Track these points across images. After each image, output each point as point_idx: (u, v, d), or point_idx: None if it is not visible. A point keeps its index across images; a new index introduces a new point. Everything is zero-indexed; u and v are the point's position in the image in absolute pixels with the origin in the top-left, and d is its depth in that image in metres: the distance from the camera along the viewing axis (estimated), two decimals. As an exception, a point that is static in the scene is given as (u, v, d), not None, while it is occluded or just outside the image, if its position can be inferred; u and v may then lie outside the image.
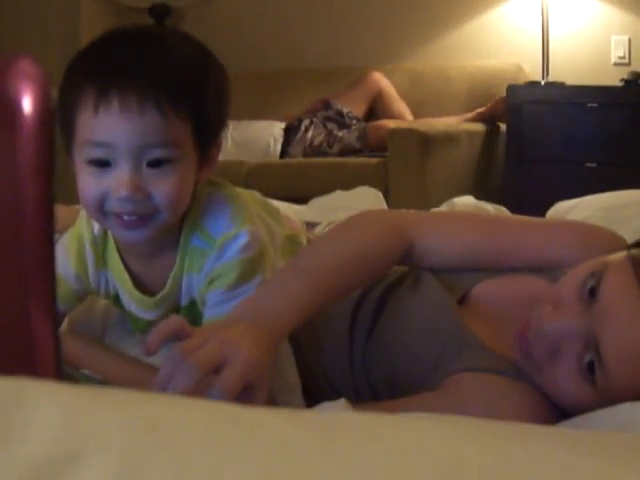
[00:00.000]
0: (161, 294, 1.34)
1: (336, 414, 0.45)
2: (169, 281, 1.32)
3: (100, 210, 1.20)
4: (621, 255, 1.05)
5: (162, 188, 1.17)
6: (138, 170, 1.16)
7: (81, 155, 1.19)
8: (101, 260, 1.36)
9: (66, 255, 1.35)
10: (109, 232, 1.32)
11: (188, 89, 1.18)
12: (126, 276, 1.34)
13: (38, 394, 0.41)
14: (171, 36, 1.26)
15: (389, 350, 1.27)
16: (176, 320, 1.03)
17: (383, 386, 1.26)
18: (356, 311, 1.32)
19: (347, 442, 0.39)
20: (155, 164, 1.17)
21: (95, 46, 1.19)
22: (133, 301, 1.37)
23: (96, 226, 1.34)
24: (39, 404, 0.41)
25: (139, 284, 1.35)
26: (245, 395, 0.95)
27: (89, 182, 1.19)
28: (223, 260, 1.25)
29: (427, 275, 1.32)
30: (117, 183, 1.16)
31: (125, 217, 1.19)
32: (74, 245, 1.35)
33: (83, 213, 1.35)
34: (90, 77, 1.15)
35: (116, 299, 1.41)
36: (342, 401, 1.04)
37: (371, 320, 1.30)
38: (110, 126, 1.14)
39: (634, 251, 1.05)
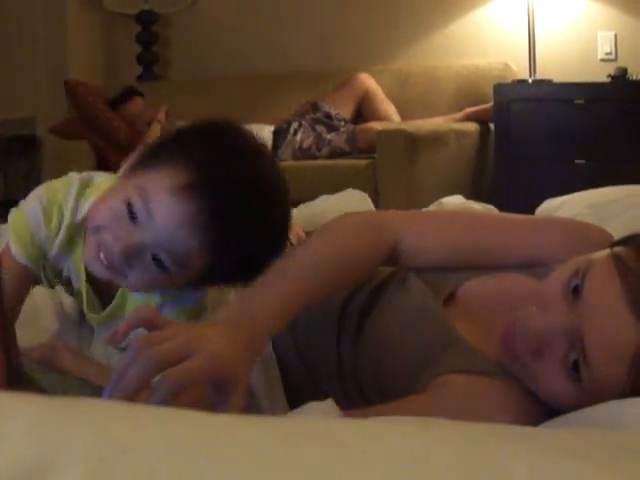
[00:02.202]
0: (109, 308, 1.39)
1: (306, 420, 0.45)
2: (119, 292, 1.37)
3: (97, 228, 1.22)
4: (604, 253, 1.05)
5: (140, 276, 1.21)
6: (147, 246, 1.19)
7: (129, 188, 1.21)
8: (69, 245, 1.37)
9: (42, 214, 1.35)
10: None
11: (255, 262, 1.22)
12: (83, 274, 1.37)
13: (8, 406, 0.41)
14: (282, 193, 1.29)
15: (375, 351, 1.26)
16: (149, 309, 1.01)
17: (370, 386, 1.25)
18: (343, 312, 1.32)
19: (316, 450, 0.39)
20: (157, 262, 1.19)
21: (230, 185, 1.21)
22: (84, 302, 1.40)
23: (79, 214, 1.34)
24: (9, 416, 0.40)
25: (93, 282, 1.38)
26: (220, 393, 0.93)
27: (113, 209, 1.21)
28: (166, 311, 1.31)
29: (413, 276, 1.32)
30: (124, 238, 1.18)
31: (102, 253, 1.21)
32: (54, 213, 1.35)
33: (73, 191, 1.35)
34: (204, 197, 1.17)
35: (68, 284, 1.44)
36: (329, 402, 1.04)
37: (357, 321, 1.30)
38: (172, 216, 1.17)
39: (617, 249, 1.05)
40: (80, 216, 1.34)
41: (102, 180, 1.39)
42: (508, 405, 1.11)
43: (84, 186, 1.36)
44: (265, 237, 1.24)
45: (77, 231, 1.35)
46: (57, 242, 1.35)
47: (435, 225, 1.33)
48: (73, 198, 1.35)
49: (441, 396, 1.14)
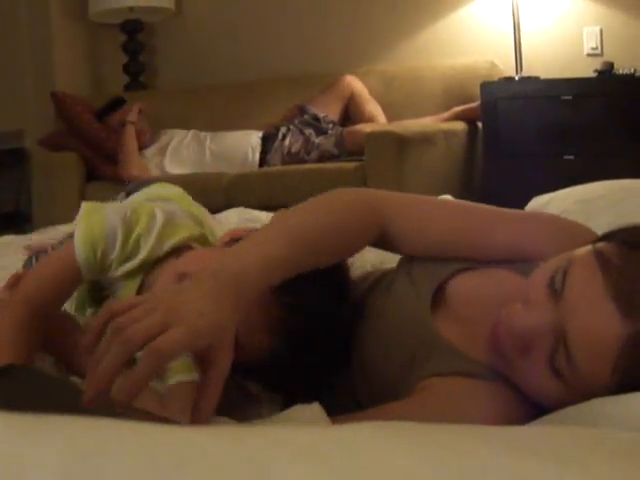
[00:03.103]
0: None
1: (273, 430, 0.44)
2: None
3: None
4: (586, 249, 1.05)
5: None
6: None
7: None
8: (131, 275, 1.34)
9: (121, 235, 1.31)
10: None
11: None
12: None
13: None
14: None
15: (362, 355, 1.27)
16: (110, 306, 0.94)
17: (361, 388, 1.26)
18: None
19: (284, 461, 0.39)
20: None
21: None
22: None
23: (157, 252, 1.33)
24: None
25: None
26: (204, 362, 0.92)
27: None
28: None
29: (402, 278, 1.32)
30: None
31: None
32: (132, 240, 1.32)
33: (155, 228, 1.33)
34: None
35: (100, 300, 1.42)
36: (315, 405, 1.04)
37: None
38: None
39: (599, 245, 1.05)
40: (156, 254, 1.33)
41: (182, 222, 1.38)
42: (488, 405, 1.11)
43: (167, 224, 1.34)
44: None
45: (146, 267, 1.33)
46: (124, 268, 1.32)
47: (426, 214, 1.32)
48: (154, 237, 1.32)
49: (423, 401, 1.14)
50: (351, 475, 0.38)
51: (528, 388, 1.09)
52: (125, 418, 0.48)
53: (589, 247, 1.05)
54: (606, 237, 1.10)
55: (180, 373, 1.27)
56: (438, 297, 1.28)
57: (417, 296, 1.27)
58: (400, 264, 1.37)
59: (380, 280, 1.38)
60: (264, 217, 2.57)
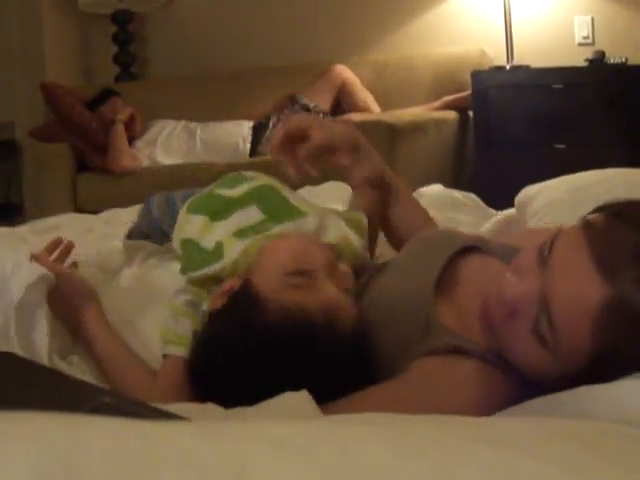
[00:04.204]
0: None
1: (251, 425, 0.44)
2: None
3: None
4: (576, 221, 1.07)
5: None
6: None
7: None
8: None
9: None
10: None
11: None
12: None
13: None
14: None
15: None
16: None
17: None
18: None
19: (261, 458, 0.38)
20: None
21: None
22: None
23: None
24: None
25: None
26: None
27: None
28: None
29: (410, 260, 1.35)
30: None
31: None
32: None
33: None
34: None
35: None
36: (303, 393, 1.04)
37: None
38: None
39: (590, 216, 1.06)
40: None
41: None
42: (472, 382, 1.13)
43: None
44: None
45: None
46: None
47: None
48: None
49: (409, 380, 1.17)
50: (328, 469, 0.38)
51: (515, 358, 1.10)
52: (134, 416, 0.47)
53: (579, 219, 1.07)
54: (597, 210, 1.11)
55: (173, 345, 1.35)
56: (442, 278, 1.30)
57: (424, 278, 1.28)
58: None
59: (386, 264, 1.41)
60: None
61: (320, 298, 1.20)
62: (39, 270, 1.44)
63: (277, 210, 1.55)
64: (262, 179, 1.67)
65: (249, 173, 1.72)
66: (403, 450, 0.40)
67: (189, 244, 1.55)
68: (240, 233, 1.48)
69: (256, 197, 1.59)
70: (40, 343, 1.38)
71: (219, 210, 1.58)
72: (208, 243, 1.50)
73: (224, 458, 0.38)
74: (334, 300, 1.21)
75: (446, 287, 1.30)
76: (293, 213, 1.53)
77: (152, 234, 1.93)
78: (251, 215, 1.54)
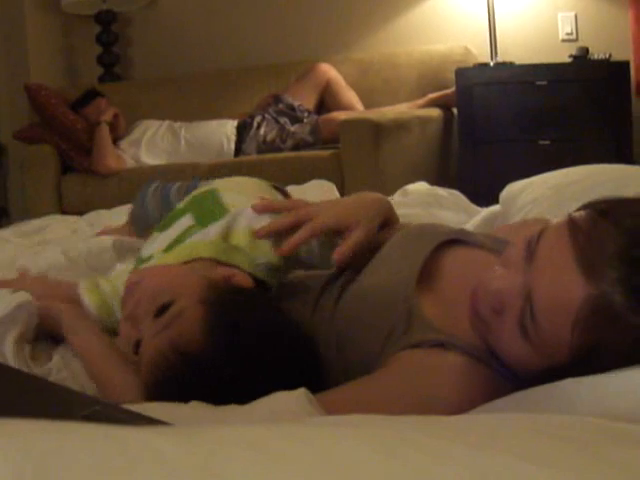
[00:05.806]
0: None
1: (227, 429, 0.44)
2: None
3: None
4: (562, 218, 1.07)
5: None
6: None
7: None
8: None
9: None
10: None
11: None
12: None
13: None
14: None
15: (343, 326, 1.29)
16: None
17: (334, 353, 1.27)
18: (325, 287, 1.40)
19: (237, 462, 0.38)
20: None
21: None
22: None
23: None
24: None
25: None
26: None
27: None
28: None
29: (394, 252, 1.35)
30: None
31: None
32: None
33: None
34: None
35: None
36: (302, 391, 1.03)
37: (336, 297, 1.35)
38: None
39: (574, 213, 1.07)
40: None
41: None
42: (454, 374, 1.14)
43: None
44: None
45: None
46: None
47: None
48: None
49: (392, 372, 1.17)
50: (306, 472, 0.37)
51: (502, 352, 1.11)
52: (129, 424, 0.47)
53: (566, 215, 1.08)
54: (583, 207, 1.12)
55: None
56: (426, 270, 1.30)
57: (409, 270, 1.29)
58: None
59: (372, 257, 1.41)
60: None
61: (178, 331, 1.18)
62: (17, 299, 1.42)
63: (205, 214, 1.52)
64: (216, 184, 1.66)
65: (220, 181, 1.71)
66: (382, 451, 0.40)
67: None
68: (168, 247, 1.47)
69: (194, 204, 1.57)
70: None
71: (165, 222, 1.57)
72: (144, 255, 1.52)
73: (199, 461, 0.38)
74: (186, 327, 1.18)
75: (429, 280, 1.30)
76: (222, 214, 1.49)
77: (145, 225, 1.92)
78: (184, 224, 1.52)
